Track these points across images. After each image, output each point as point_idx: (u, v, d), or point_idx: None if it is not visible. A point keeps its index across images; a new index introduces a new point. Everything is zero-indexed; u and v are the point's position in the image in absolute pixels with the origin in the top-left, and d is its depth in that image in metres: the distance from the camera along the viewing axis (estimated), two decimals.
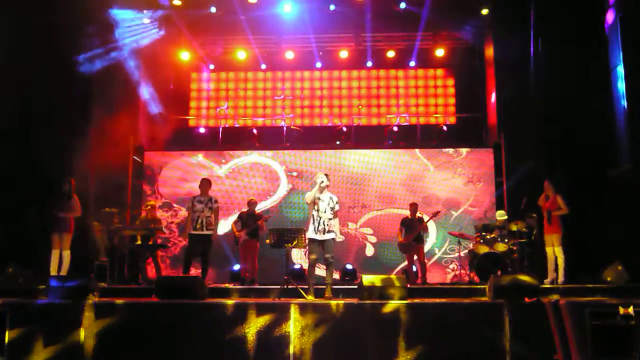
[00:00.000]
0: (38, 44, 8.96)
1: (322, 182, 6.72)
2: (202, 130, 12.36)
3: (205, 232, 7.71)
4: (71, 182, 7.94)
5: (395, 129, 12.05)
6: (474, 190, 11.08)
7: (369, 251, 11.08)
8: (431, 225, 10.86)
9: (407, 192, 11.12)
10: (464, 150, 11.26)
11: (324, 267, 6.88)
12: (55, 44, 9.01)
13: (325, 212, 6.70)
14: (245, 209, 9.41)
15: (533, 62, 10.08)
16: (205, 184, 7.99)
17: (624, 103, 9.08)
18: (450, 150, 11.29)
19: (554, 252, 8.09)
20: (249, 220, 9.18)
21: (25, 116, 8.95)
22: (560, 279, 8.00)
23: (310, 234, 6.70)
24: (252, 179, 11.43)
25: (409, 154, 11.39)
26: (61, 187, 7.89)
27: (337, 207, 6.80)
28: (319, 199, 6.72)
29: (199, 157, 11.57)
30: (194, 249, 7.78)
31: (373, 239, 11.10)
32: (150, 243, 9.21)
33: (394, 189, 11.24)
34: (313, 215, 6.72)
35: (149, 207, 9.70)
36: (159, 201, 11.19)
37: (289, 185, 11.35)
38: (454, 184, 11.13)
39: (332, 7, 11.37)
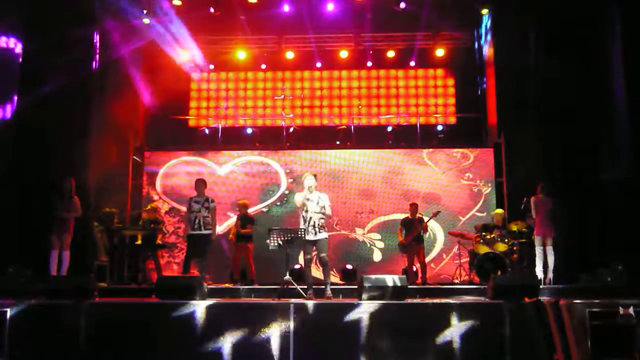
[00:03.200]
0: (37, 43, 8.98)
1: (310, 187, 6.79)
2: (206, 131, 12.28)
3: (203, 232, 7.71)
4: (72, 182, 7.93)
5: (390, 129, 12.01)
6: (482, 196, 11.04)
7: (377, 256, 11.05)
8: (438, 231, 10.85)
9: (403, 192, 11.11)
10: (471, 155, 11.23)
11: (320, 267, 6.90)
12: (55, 43, 9.02)
13: (315, 212, 6.76)
14: (240, 213, 9.47)
15: (533, 62, 10.06)
16: (201, 184, 7.99)
17: (625, 103, 9.07)
18: (458, 155, 11.24)
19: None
20: (246, 222, 9.24)
21: (25, 116, 8.96)
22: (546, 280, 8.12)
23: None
24: (252, 178, 11.41)
25: (413, 157, 11.32)
26: (62, 187, 7.87)
27: (327, 204, 6.83)
28: (308, 199, 6.79)
29: (199, 157, 11.55)
30: (191, 249, 7.80)
31: (381, 245, 11.06)
32: (156, 242, 9.26)
33: (384, 188, 11.20)
34: (303, 216, 6.80)
35: (150, 207, 9.73)
36: (166, 206, 11.19)
37: (288, 184, 11.34)
38: (461, 189, 11.07)
39: (331, 7, 11.36)
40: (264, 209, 11.19)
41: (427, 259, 9.69)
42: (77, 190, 8.10)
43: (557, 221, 8.35)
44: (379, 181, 11.27)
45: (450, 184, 11.14)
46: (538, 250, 8.28)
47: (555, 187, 8.64)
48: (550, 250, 8.17)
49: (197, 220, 7.71)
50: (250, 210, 9.95)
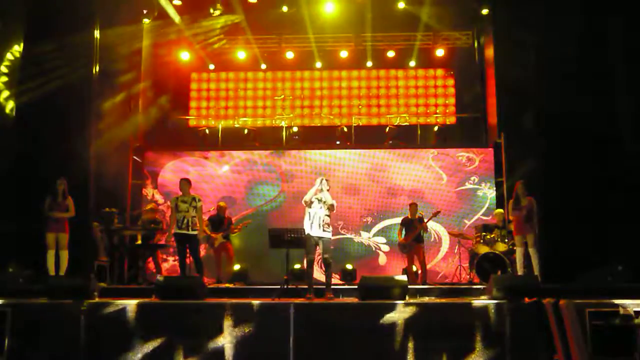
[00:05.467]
0: (38, 43, 8.98)
1: (322, 181, 6.84)
2: (207, 131, 12.26)
3: (190, 232, 7.71)
4: (64, 182, 7.91)
5: (387, 129, 12.00)
6: (487, 200, 10.99)
7: (382, 260, 11.03)
8: (443, 235, 10.82)
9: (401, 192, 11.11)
10: (477, 159, 11.21)
11: (323, 268, 6.88)
12: (56, 43, 9.03)
13: (320, 208, 6.77)
14: (214, 213, 9.49)
15: (533, 62, 10.05)
16: (186, 183, 8.02)
17: (627, 101, 9.06)
18: (463, 158, 11.21)
19: (525, 253, 8.08)
20: (220, 224, 9.26)
21: (25, 115, 8.96)
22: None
23: (306, 230, 6.77)
24: (252, 178, 11.40)
25: (417, 159, 11.29)
26: (55, 187, 7.86)
27: (332, 201, 6.86)
28: (317, 198, 6.81)
29: (199, 157, 11.54)
30: (181, 248, 7.80)
31: (386, 248, 11.03)
32: (151, 243, 9.25)
33: (386, 190, 11.20)
34: (309, 212, 6.80)
35: (150, 208, 9.73)
36: (169, 210, 11.19)
37: (287, 185, 11.33)
38: (466, 192, 11.05)
39: (332, 7, 11.36)
40: (262, 208, 11.17)
41: (432, 263, 9.65)
42: (78, 191, 8.08)
43: (537, 220, 8.21)
44: (380, 183, 11.25)
45: (454, 187, 11.10)
46: (518, 250, 8.13)
47: (555, 187, 8.63)
48: (533, 251, 8.03)
49: (185, 220, 7.71)
50: (249, 210, 9.95)
